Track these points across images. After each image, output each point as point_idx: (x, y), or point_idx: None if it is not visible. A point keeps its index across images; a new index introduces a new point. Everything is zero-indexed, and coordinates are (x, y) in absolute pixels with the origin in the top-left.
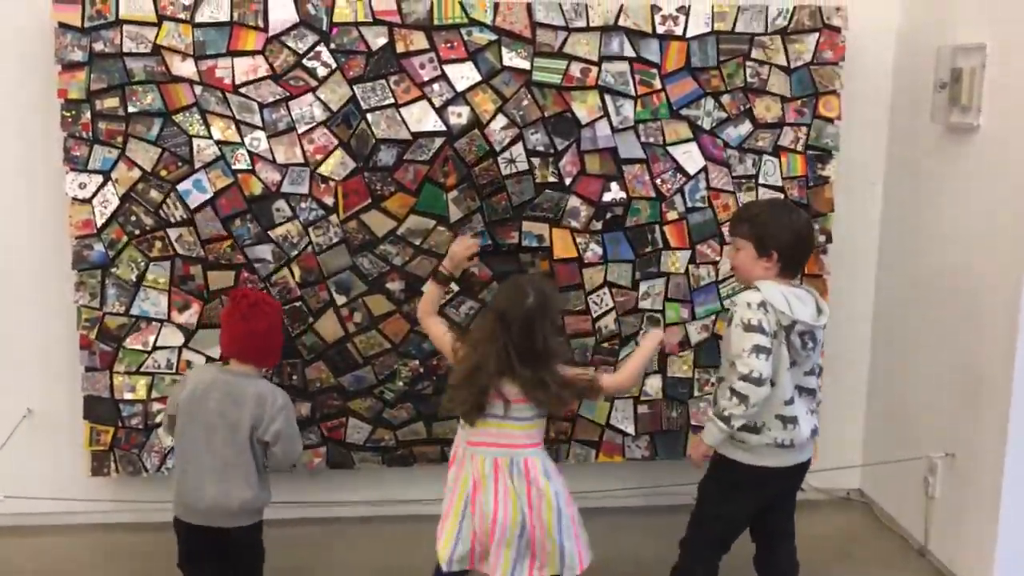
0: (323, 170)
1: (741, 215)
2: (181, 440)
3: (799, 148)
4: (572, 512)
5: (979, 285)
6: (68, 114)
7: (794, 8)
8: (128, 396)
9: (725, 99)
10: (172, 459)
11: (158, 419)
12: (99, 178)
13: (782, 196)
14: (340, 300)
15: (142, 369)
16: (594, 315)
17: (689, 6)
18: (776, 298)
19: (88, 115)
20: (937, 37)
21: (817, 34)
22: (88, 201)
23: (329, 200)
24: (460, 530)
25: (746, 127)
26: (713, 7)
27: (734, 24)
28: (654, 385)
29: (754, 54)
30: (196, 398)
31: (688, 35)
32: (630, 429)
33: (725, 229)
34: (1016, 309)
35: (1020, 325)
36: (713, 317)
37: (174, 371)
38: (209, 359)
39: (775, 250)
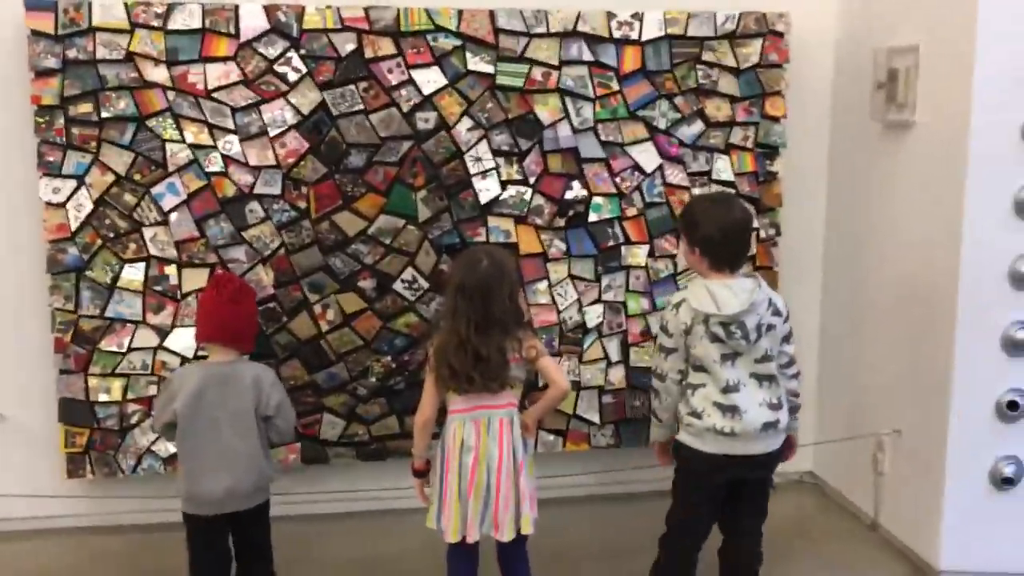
0: (295, 174)
1: (682, 209)
2: (185, 441)
3: (748, 146)
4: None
5: (919, 271)
6: (42, 120)
7: (740, 14)
8: (103, 398)
9: (678, 100)
10: (148, 460)
11: (133, 420)
12: (73, 182)
13: (733, 192)
14: (313, 299)
15: (117, 371)
16: (560, 307)
17: (643, 13)
18: (698, 295)
19: (62, 121)
20: (874, 40)
21: (762, 38)
22: (62, 205)
23: (301, 202)
24: (460, 503)
25: (698, 126)
26: (665, 13)
27: (685, 29)
28: (617, 375)
29: (704, 57)
30: (194, 399)
31: (643, 39)
32: (595, 418)
33: None
34: (955, 290)
35: (959, 307)
36: None
37: (149, 372)
38: (184, 360)
39: (697, 245)
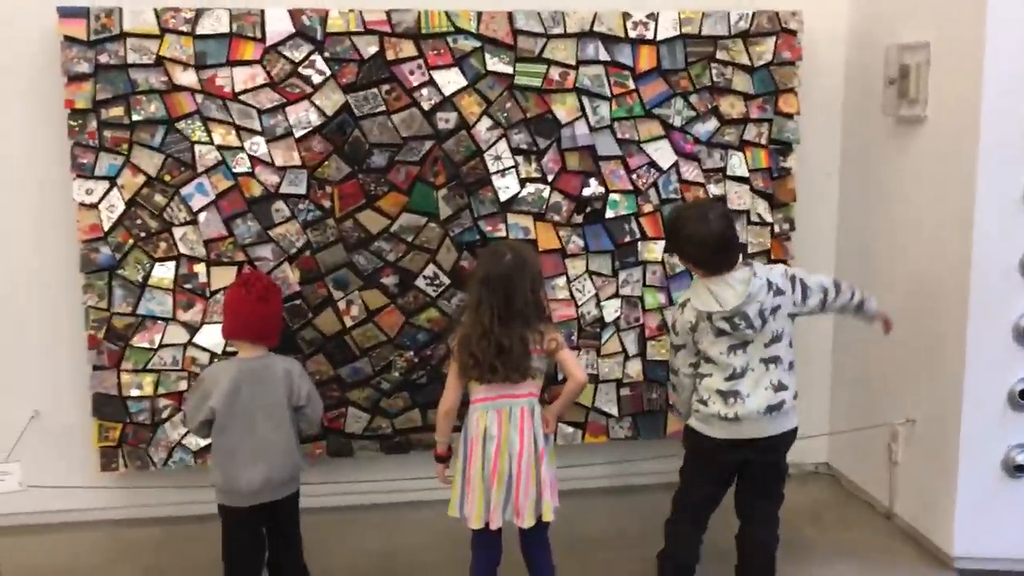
0: (319, 174)
1: (665, 226)
2: (222, 436)
3: (762, 142)
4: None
5: (931, 263)
6: (75, 123)
7: (753, 13)
8: (135, 393)
9: (693, 98)
10: (179, 453)
11: (164, 414)
12: (105, 184)
13: (710, 198)
14: (338, 295)
15: (148, 366)
16: (578, 302)
17: (658, 13)
18: (700, 294)
19: (94, 124)
20: (885, 37)
21: (775, 37)
22: (95, 206)
23: (326, 201)
24: (484, 490)
25: (713, 124)
26: (680, 13)
27: (700, 28)
28: (635, 368)
29: (719, 56)
30: (229, 396)
31: (658, 39)
32: (614, 411)
33: None
34: (967, 281)
35: (970, 298)
36: None
37: (179, 367)
38: (213, 355)
39: (687, 261)
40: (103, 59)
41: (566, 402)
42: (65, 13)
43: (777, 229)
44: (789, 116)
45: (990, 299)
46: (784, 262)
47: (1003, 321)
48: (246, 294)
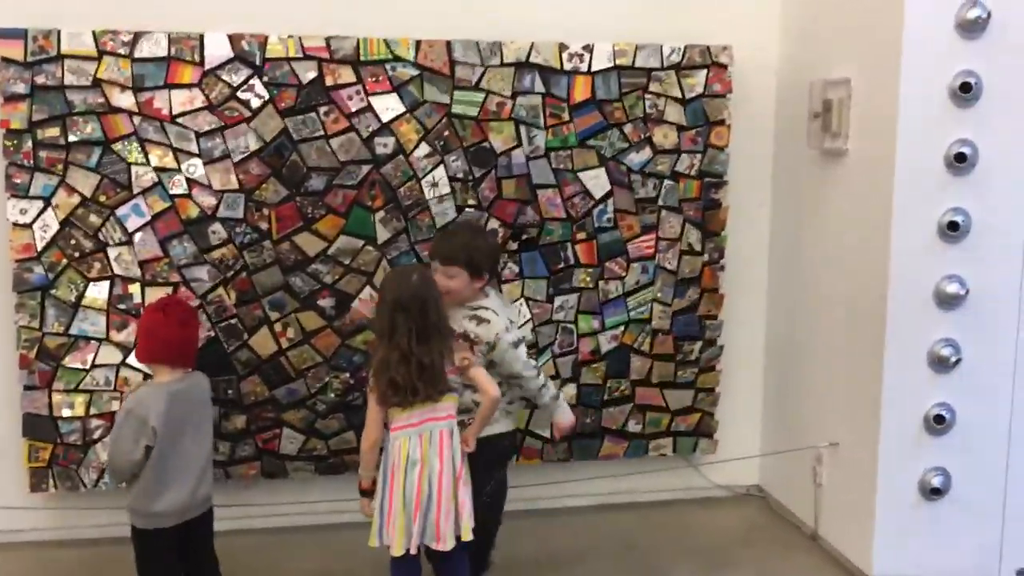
0: (257, 196)
1: (449, 246)
2: (155, 460)
3: (694, 173)
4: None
5: (852, 292)
6: (9, 143)
7: (685, 47)
8: (67, 413)
9: (627, 128)
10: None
11: (96, 435)
12: (40, 204)
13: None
14: (274, 317)
15: (81, 387)
16: None
17: (593, 45)
18: (499, 309)
19: (30, 144)
20: (810, 72)
21: (707, 69)
22: (28, 226)
23: (263, 223)
24: (405, 517)
25: (647, 154)
26: (614, 45)
27: (633, 60)
28: (569, 392)
29: (652, 87)
30: (166, 418)
31: (593, 70)
32: (547, 434)
33: (630, 247)
34: (883, 310)
35: (887, 325)
36: (621, 328)
37: (112, 388)
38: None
39: (487, 271)
40: (40, 80)
41: (482, 419)
42: (2, 34)
43: (708, 258)
44: (720, 148)
45: (907, 327)
46: (715, 290)
47: (919, 348)
48: (165, 319)
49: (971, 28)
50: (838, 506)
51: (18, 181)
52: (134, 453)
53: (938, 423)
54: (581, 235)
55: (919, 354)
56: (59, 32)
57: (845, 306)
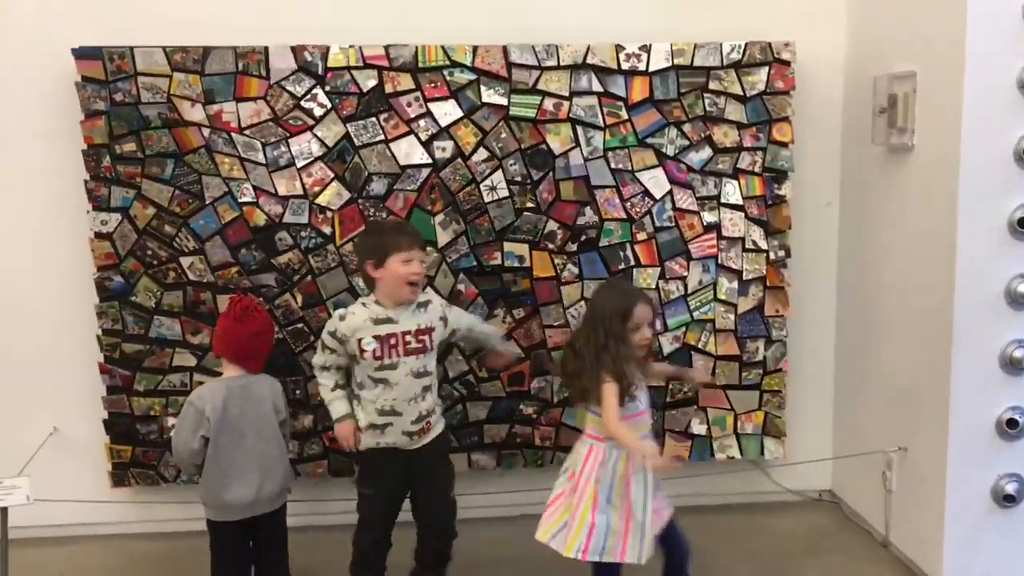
0: (320, 200)
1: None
2: (214, 452)
3: (756, 170)
4: None
5: (918, 292)
6: (91, 158)
7: (746, 44)
8: (146, 414)
9: (686, 127)
10: (186, 474)
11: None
12: (119, 215)
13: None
14: None
15: (158, 389)
16: (573, 328)
17: (650, 45)
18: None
19: (108, 159)
20: (875, 67)
21: (768, 67)
22: (109, 236)
23: (327, 228)
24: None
25: (706, 152)
26: (672, 45)
27: (692, 59)
28: None
29: (711, 86)
30: (221, 412)
31: (650, 70)
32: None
33: (691, 247)
34: (951, 310)
35: (955, 325)
36: (683, 328)
37: (188, 390)
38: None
39: None
40: (117, 97)
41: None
42: (81, 55)
43: (772, 256)
44: (783, 144)
45: (976, 327)
46: (780, 289)
47: (990, 349)
48: (226, 315)
49: None
50: (908, 513)
51: (99, 194)
52: (192, 442)
53: (1011, 427)
54: (641, 235)
55: (990, 356)
56: (132, 50)
57: (911, 305)
